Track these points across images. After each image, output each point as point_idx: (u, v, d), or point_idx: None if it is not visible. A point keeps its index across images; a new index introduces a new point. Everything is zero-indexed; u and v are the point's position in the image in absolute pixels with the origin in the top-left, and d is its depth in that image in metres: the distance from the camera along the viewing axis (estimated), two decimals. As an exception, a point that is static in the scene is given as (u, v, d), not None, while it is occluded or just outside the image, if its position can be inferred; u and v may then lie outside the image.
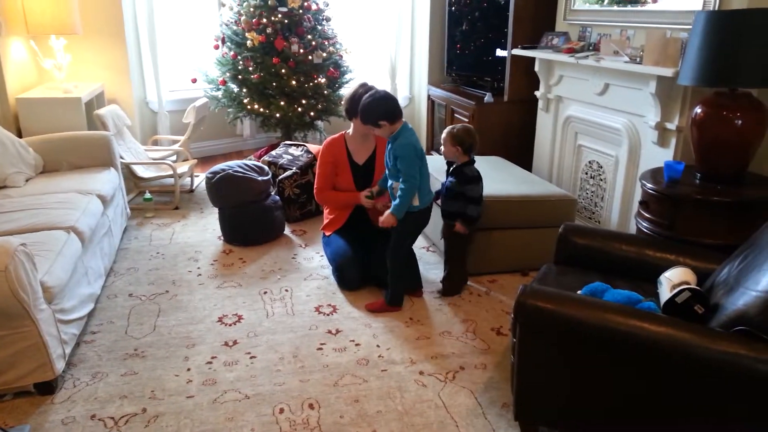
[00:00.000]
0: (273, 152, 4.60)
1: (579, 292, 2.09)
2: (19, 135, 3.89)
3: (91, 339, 2.69)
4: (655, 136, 3.04)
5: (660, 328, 1.73)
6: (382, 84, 5.94)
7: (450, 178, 3.02)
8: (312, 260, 3.54)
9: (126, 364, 2.50)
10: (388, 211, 2.83)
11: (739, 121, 2.45)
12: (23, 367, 2.20)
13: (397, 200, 2.78)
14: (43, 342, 2.20)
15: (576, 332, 1.83)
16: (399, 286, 2.96)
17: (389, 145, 2.81)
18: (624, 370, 1.80)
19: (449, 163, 3.07)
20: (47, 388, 2.29)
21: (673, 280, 1.96)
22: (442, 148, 3.02)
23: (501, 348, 2.65)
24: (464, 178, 2.96)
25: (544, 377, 1.94)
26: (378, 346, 2.66)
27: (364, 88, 3.15)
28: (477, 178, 2.98)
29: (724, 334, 1.69)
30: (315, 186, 3.35)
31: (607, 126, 3.44)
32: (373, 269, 3.13)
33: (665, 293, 1.95)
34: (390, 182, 2.88)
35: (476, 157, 3.03)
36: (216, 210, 3.90)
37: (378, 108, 2.76)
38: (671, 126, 2.94)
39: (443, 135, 2.99)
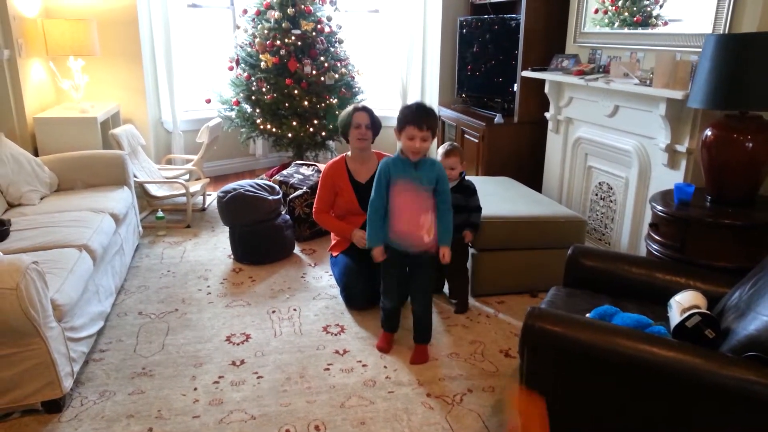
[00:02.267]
0: (284, 172, 4.64)
1: (588, 315, 2.07)
2: (36, 153, 3.96)
3: (99, 357, 2.70)
4: (666, 159, 3.03)
5: (670, 352, 1.71)
6: (393, 105, 5.99)
7: (452, 195, 3.01)
8: (321, 279, 3.55)
9: (134, 383, 2.51)
10: (446, 248, 2.59)
11: (750, 144, 2.44)
12: (31, 385, 2.21)
13: (448, 232, 2.59)
14: (51, 360, 2.22)
15: (584, 356, 1.80)
16: (431, 320, 2.80)
17: (419, 168, 2.53)
18: (633, 395, 1.77)
19: None
20: (55, 407, 2.30)
21: (683, 303, 1.94)
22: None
23: (509, 370, 2.62)
24: (468, 191, 3.09)
25: (551, 400, 1.92)
26: (385, 367, 2.65)
27: (354, 106, 3.25)
28: (476, 189, 3.14)
29: (735, 360, 1.66)
30: (314, 206, 3.37)
31: (617, 148, 3.44)
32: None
33: (675, 317, 1.92)
34: (420, 216, 2.57)
35: (485, 178, 3.07)
36: (227, 229, 3.93)
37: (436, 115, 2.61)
38: (681, 148, 2.93)
39: (447, 159, 3.01)
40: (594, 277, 2.41)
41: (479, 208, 3.12)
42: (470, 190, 3.09)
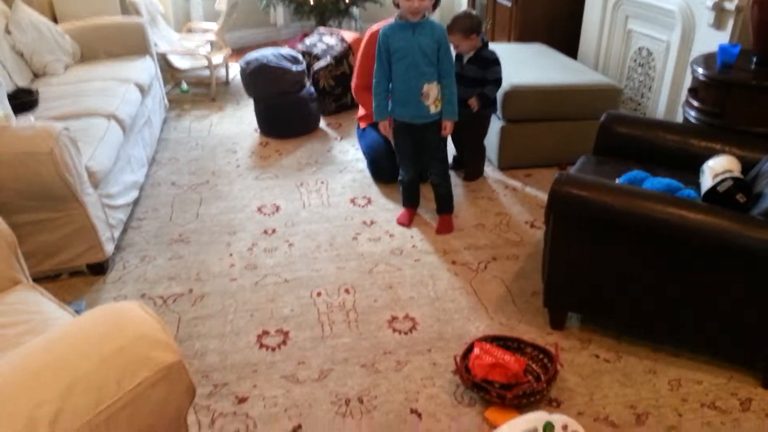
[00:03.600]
0: (307, 40, 4.48)
1: (617, 180, 2.05)
2: (55, 21, 3.87)
3: (137, 225, 2.81)
4: (712, 18, 2.82)
5: (698, 215, 1.70)
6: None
7: (468, 66, 2.89)
8: (347, 153, 3.54)
9: (172, 249, 2.62)
10: (448, 122, 2.55)
11: (809, -2, 2.24)
12: (75, 248, 2.33)
13: (450, 104, 2.51)
14: (92, 224, 2.31)
15: (611, 221, 1.81)
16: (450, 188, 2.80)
17: (417, 32, 2.40)
18: (658, 259, 1.79)
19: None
20: (99, 269, 2.44)
21: (716, 168, 1.89)
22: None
23: (533, 240, 2.66)
24: (486, 62, 2.87)
25: (575, 265, 1.95)
26: (412, 237, 2.70)
27: None
28: (498, 60, 2.89)
29: (764, 222, 1.65)
30: (353, 82, 3.24)
31: (661, 8, 3.20)
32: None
33: (707, 182, 1.89)
34: (423, 84, 2.46)
35: (518, 45, 2.90)
36: (252, 102, 3.89)
37: None
38: (730, 5, 2.71)
39: (451, 35, 2.77)
40: (626, 145, 2.35)
41: (498, 81, 2.90)
42: (488, 61, 2.86)
